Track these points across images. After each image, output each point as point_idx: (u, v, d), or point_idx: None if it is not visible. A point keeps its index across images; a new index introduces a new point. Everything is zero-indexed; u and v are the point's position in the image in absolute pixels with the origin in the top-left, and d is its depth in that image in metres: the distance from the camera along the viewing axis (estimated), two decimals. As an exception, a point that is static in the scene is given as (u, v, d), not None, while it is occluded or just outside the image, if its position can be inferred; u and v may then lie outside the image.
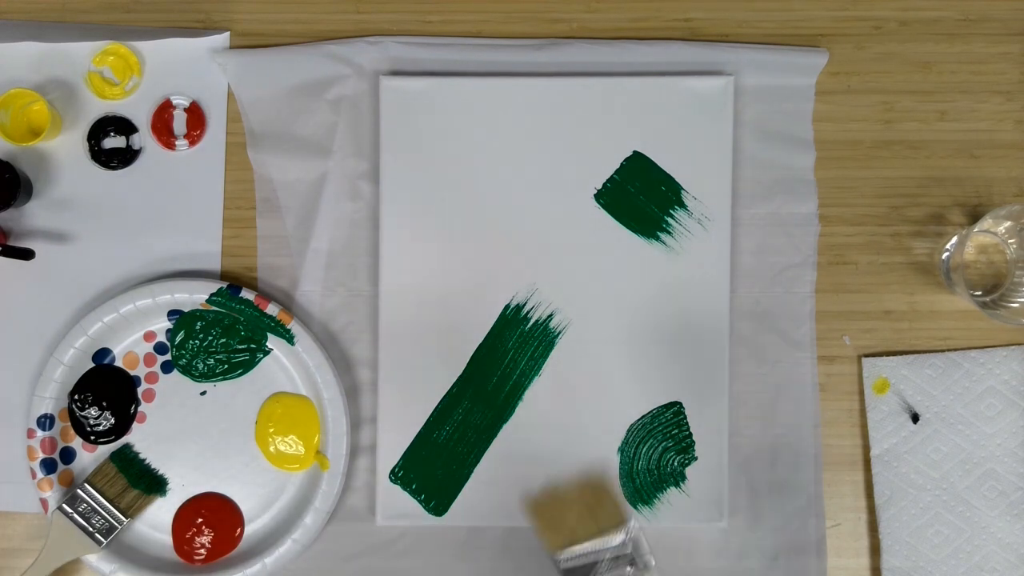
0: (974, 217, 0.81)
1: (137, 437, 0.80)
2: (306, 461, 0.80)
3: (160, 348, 0.81)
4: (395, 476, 0.80)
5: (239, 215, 0.82)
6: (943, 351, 0.80)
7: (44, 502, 0.78)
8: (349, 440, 0.79)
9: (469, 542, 0.80)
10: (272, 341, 0.80)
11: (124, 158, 0.81)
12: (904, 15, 0.82)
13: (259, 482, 0.80)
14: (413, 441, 0.80)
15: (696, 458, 0.79)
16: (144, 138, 0.82)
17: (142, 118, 0.82)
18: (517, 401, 0.80)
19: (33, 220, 0.81)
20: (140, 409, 0.80)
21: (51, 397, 0.79)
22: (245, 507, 0.80)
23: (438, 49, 0.81)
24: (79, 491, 0.77)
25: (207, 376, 0.80)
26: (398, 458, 0.80)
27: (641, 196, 0.80)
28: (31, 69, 0.81)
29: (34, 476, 0.78)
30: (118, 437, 0.80)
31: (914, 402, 0.80)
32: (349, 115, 0.81)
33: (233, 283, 0.79)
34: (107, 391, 0.80)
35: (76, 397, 0.79)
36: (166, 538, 0.80)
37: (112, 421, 0.80)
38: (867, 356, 0.81)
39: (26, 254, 0.77)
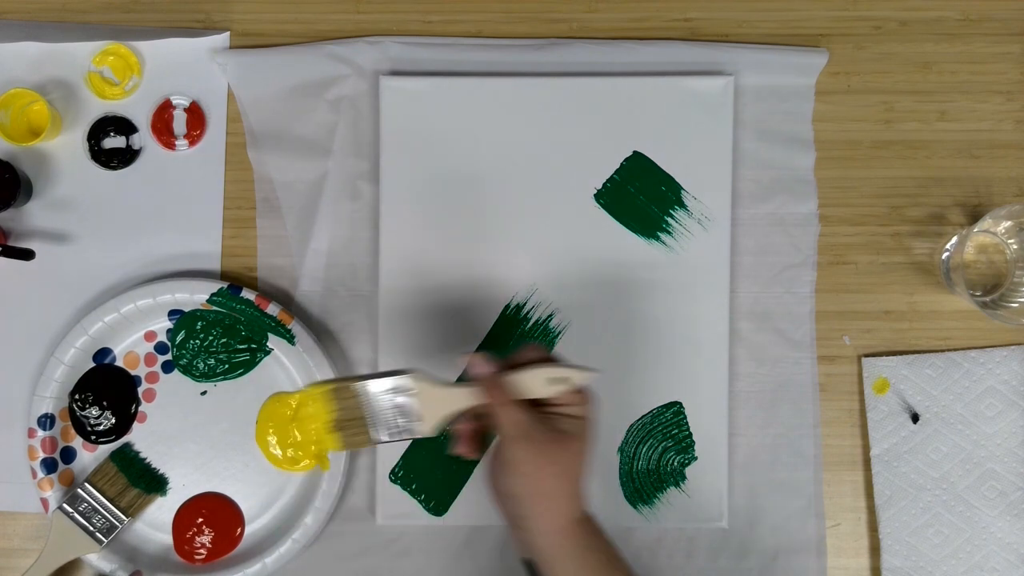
0: (974, 217, 0.81)
1: (137, 437, 0.80)
2: (306, 461, 0.80)
3: (161, 348, 0.81)
4: (395, 476, 0.80)
5: (239, 215, 0.82)
6: (943, 351, 0.80)
7: (45, 502, 0.78)
8: (349, 440, 0.79)
9: (469, 542, 0.80)
10: (273, 341, 0.80)
11: (124, 158, 0.81)
12: (904, 15, 0.82)
13: (259, 482, 0.80)
14: (413, 441, 0.80)
15: (696, 458, 0.79)
16: (144, 138, 0.82)
17: (142, 118, 0.82)
18: (517, 401, 0.80)
19: (33, 220, 0.81)
20: (140, 409, 0.80)
21: (52, 397, 0.79)
22: (245, 507, 0.80)
23: (438, 49, 0.81)
24: (79, 490, 0.77)
25: (208, 376, 0.80)
26: (398, 458, 0.80)
27: (641, 196, 0.80)
28: (31, 69, 0.81)
29: (35, 476, 0.78)
30: (118, 437, 0.80)
31: (914, 402, 0.80)
32: (349, 115, 0.81)
33: (233, 283, 0.79)
34: (108, 391, 0.80)
35: (77, 397, 0.79)
36: (166, 537, 0.80)
37: (112, 421, 0.80)
38: (867, 356, 0.81)
39: (26, 254, 0.77)
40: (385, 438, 0.69)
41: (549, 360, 0.66)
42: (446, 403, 0.67)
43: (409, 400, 0.67)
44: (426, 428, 0.68)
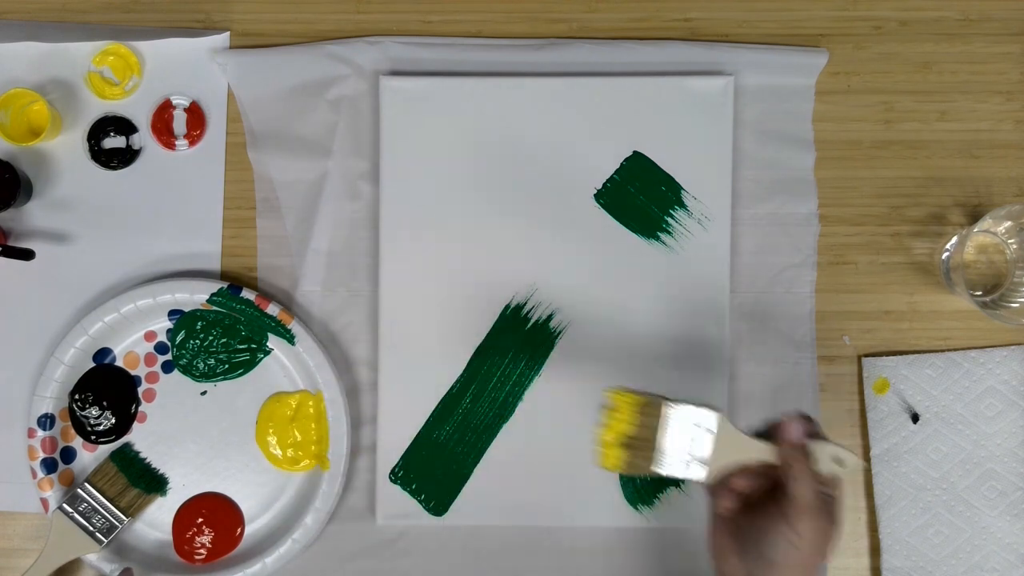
0: (974, 217, 0.81)
1: (137, 437, 0.80)
2: (307, 461, 0.80)
3: (161, 348, 0.81)
4: (395, 476, 0.80)
5: (239, 215, 0.82)
6: (943, 351, 0.80)
7: (44, 502, 0.78)
8: (349, 440, 0.79)
9: (469, 542, 0.80)
10: (273, 341, 0.80)
11: (124, 158, 0.81)
12: (904, 15, 0.82)
13: (259, 482, 0.80)
14: (413, 441, 0.80)
15: (696, 458, 0.79)
16: (144, 138, 0.82)
17: (142, 118, 0.82)
18: (517, 401, 0.80)
19: (33, 220, 0.81)
20: (140, 409, 0.81)
21: (52, 397, 0.79)
22: (245, 507, 0.80)
23: (438, 49, 0.81)
24: (79, 490, 0.77)
25: (208, 376, 0.80)
26: (398, 458, 0.80)
27: (641, 196, 0.80)
28: (31, 69, 0.81)
29: (34, 476, 0.78)
30: (118, 437, 0.80)
31: (914, 402, 0.80)
32: (349, 115, 0.81)
33: (233, 283, 0.79)
34: (108, 391, 0.80)
35: (77, 397, 0.79)
36: (166, 537, 0.80)
37: (112, 421, 0.80)
38: (867, 356, 0.81)
39: (26, 254, 0.77)
40: (664, 471, 0.64)
41: (818, 433, 0.64)
42: (737, 452, 0.63)
43: (707, 439, 0.63)
44: (708, 473, 0.64)
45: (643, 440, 0.64)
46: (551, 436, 0.79)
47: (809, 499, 0.61)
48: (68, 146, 0.81)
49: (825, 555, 0.62)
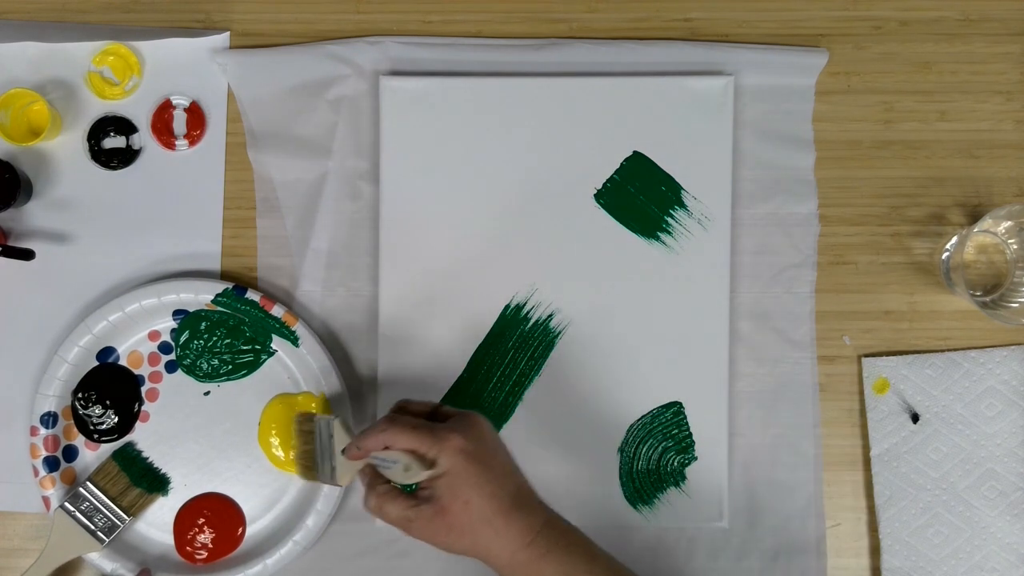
0: (974, 217, 0.81)
1: (140, 436, 0.81)
2: (307, 461, 0.80)
3: (164, 348, 0.81)
4: (396, 476, 0.80)
5: (239, 215, 0.82)
6: (943, 351, 0.81)
7: (46, 500, 0.78)
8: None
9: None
10: (276, 342, 0.80)
11: (124, 158, 0.81)
12: (904, 15, 0.82)
13: (261, 483, 0.80)
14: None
15: (696, 458, 0.80)
16: (144, 138, 0.82)
17: (142, 118, 0.82)
18: (517, 401, 0.80)
19: (33, 220, 0.81)
20: (143, 408, 0.81)
21: (54, 395, 0.79)
22: (247, 507, 0.80)
23: (438, 49, 0.81)
24: (81, 489, 0.78)
25: (211, 376, 0.80)
26: (399, 458, 0.80)
27: (641, 196, 0.80)
28: (31, 69, 0.81)
29: (36, 474, 0.78)
30: (121, 436, 0.80)
31: (914, 402, 0.80)
32: (349, 115, 0.81)
33: (239, 284, 0.79)
34: (111, 390, 0.80)
35: (80, 395, 0.80)
36: (168, 537, 0.80)
37: (115, 420, 0.80)
38: (867, 356, 0.81)
39: (26, 254, 0.77)
40: (331, 482, 0.72)
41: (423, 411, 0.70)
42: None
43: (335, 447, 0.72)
44: (341, 476, 0.72)
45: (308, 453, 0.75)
46: (551, 436, 0.80)
47: (396, 524, 0.67)
48: (68, 146, 0.81)
49: (469, 529, 0.66)
